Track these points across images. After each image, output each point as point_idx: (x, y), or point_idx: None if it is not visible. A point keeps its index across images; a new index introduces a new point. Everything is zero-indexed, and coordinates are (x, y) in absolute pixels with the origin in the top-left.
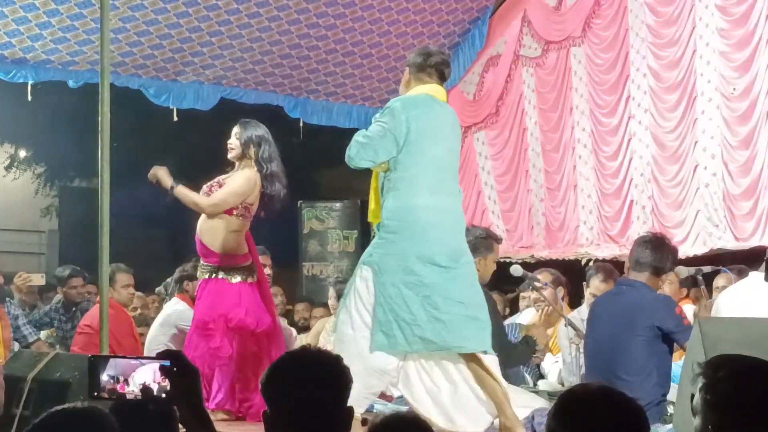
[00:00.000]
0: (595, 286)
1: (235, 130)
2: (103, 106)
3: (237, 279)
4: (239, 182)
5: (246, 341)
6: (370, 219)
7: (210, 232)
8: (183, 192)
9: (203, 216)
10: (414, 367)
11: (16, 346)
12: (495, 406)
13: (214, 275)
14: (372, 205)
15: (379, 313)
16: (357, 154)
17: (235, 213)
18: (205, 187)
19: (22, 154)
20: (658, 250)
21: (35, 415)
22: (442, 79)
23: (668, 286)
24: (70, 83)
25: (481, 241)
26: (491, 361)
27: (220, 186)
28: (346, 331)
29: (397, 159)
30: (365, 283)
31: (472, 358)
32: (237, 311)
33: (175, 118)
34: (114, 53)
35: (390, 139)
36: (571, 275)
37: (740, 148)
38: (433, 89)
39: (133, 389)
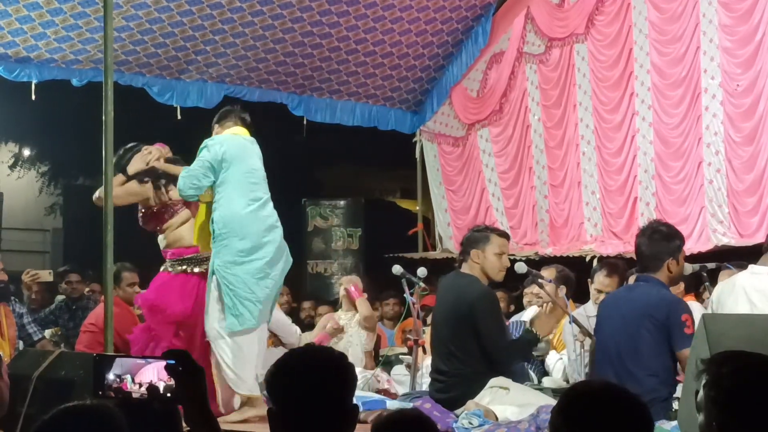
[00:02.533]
0: (599, 282)
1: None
2: (107, 105)
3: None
4: None
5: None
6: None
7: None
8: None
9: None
10: None
11: (21, 345)
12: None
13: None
14: (196, 234)
15: (226, 300)
16: (183, 184)
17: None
18: None
19: (26, 152)
20: (651, 244)
21: (40, 414)
22: (243, 122)
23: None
24: (74, 82)
25: (476, 234)
26: None
27: None
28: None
29: (217, 183)
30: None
31: None
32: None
33: (179, 117)
34: (117, 52)
35: (210, 168)
36: (576, 272)
37: (744, 144)
38: (237, 130)
39: (137, 388)
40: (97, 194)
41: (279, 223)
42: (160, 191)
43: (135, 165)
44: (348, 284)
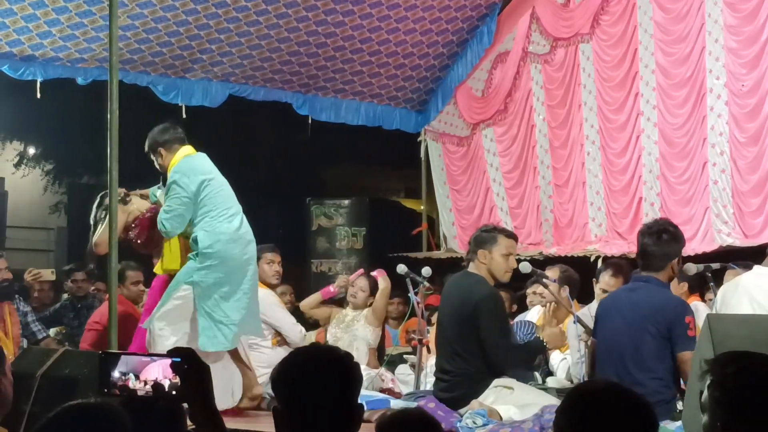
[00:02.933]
0: (605, 282)
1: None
2: (112, 104)
3: None
4: None
5: None
6: (166, 267)
7: None
8: None
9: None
10: None
11: (25, 343)
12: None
13: None
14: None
15: (201, 321)
16: (171, 226)
17: None
18: None
19: (31, 151)
20: (661, 245)
21: (44, 412)
22: (184, 141)
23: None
24: (79, 80)
25: (484, 234)
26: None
27: None
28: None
29: (196, 206)
30: (182, 300)
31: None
32: None
33: (184, 115)
34: (123, 50)
35: (189, 202)
36: (580, 272)
37: (749, 144)
38: (186, 150)
39: (142, 385)
40: (93, 240)
41: (252, 235)
42: (132, 201)
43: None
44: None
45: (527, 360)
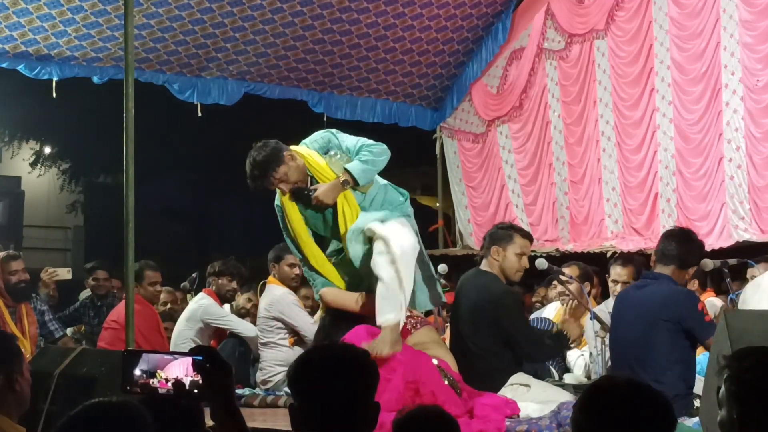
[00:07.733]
0: (616, 273)
1: None
2: (128, 102)
3: None
4: None
5: None
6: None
7: None
8: None
9: None
10: None
11: (42, 343)
12: None
13: None
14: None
15: None
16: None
17: None
18: None
19: (47, 150)
20: (684, 243)
21: (62, 411)
22: None
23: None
24: (95, 80)
25: (500, 231)
26: None
27: None
28: None
29: None
30: None
31: None
32: None
33: (200, 114)
34: (138, 49)
35: None
36: (598, 268)
37: (765, 140)
38: None
39: (158, 384)
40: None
41: None
42: None
43: None
44: None
45: (556, 348)
